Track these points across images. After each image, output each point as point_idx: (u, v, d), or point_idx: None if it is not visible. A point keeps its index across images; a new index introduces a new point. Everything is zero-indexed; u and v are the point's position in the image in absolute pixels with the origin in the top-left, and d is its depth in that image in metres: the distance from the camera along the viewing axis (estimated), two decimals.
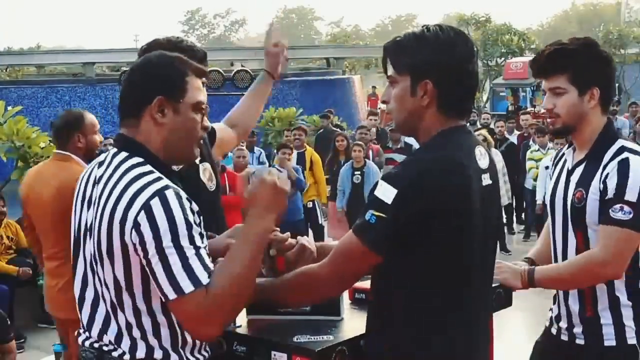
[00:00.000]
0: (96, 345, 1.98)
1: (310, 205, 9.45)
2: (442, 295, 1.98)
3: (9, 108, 7.90)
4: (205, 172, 2.74)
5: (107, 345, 1.96)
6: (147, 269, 1.85)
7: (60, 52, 31.42)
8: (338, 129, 12.74)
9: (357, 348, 2.06)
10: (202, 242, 1.87)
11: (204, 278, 1.82)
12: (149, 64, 2.01)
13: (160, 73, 1.98)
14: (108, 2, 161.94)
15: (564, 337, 2.65)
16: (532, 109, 20.09)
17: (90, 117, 4.38)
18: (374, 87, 33.21)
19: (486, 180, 2.03)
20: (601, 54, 2.55)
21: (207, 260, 1.86)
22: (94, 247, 1.93)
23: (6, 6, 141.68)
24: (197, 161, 2.66)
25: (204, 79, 2.09)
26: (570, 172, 2.60)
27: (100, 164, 2.01)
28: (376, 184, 1.94)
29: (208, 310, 1.82)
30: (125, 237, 1.84)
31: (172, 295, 1.82)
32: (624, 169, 2.42)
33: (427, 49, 1.97)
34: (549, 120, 2.60)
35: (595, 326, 2.53)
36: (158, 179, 1.88)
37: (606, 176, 2.44)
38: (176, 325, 1.93)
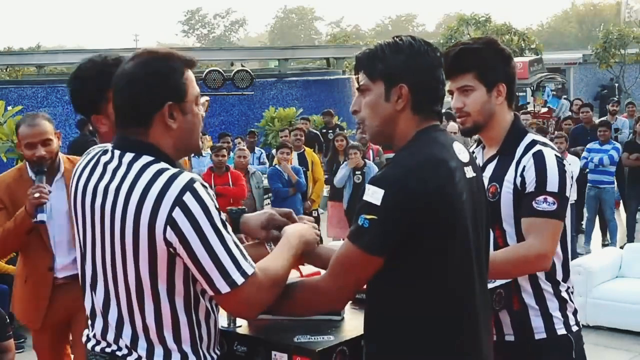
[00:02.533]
0: (108, 350, 1.97)
1: (315, 214, 9.53)
2: (437, 295, 1.98)
3: (9, 108, 7.90)
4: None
5: (120, 350, 1.95)
6: (189, 265, 1.85)
7: (60, 52, 31.36)
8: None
9: (357, 348, 2.06)
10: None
11: (248, 268, 1.88)
12: (149, 74, 1.95)
13: (164, 79, 1.95)
14: (108, 2, 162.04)
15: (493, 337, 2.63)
16: (532, 109, 20.09)
17: None
18: None
19: (470, 172, 2.08)
20: (503, 51, 2.60)
21: (242, 247, 1.91)
22: (111, 249, 1.91)
23: (6, 6, 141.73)
24: None
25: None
26: (481, 169, 2.60)
27: (104, 168, 1.97)
28: (364, 189, 1.97)
29: (256, 298, 1.90)
30: (156, 235, 1.83)
31: (225, 289, 1.85)
32: (540, 162, 2.47)
33: (401, 55, 2.03)
34: (458, 120, 2.62)
35: (524, 320, 2.54)
36: (179, 172, 1.88)
37: (523, 169, 2.48)
38: (195, 324, 1.94)
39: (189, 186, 1.84)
